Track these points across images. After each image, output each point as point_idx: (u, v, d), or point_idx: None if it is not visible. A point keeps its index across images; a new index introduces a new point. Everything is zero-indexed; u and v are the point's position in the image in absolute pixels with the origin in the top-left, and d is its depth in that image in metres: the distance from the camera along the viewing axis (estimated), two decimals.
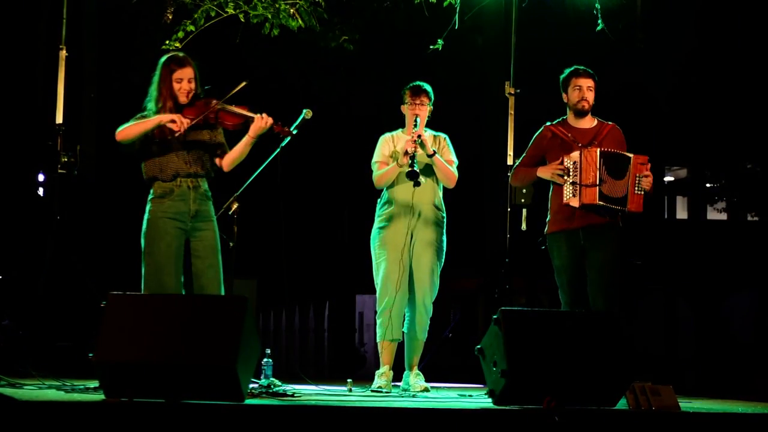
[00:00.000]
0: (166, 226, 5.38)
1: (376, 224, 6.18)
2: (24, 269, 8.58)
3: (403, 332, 6.10)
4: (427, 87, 6.16)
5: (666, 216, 17.80)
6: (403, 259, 6.02)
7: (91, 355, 4.37)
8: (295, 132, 5.50)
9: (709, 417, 4.60)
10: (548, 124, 6.01)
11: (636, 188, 5.76)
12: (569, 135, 5.90)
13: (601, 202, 5.72)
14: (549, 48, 11.10)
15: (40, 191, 9.54)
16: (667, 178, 18.03)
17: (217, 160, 5.58)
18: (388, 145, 6.18)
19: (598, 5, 7.65)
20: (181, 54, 5.58)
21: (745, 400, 6.02)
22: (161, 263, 5.36)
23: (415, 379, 6.02)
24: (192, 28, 7.90)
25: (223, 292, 5.47)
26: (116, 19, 10.60)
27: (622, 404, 4.75)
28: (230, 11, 7.91)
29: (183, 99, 5.45)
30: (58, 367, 6.11)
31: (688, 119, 15.06)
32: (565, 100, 5.99)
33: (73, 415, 3.98)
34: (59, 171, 6.51)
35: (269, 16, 7.96)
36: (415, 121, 6.04)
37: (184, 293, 5.41)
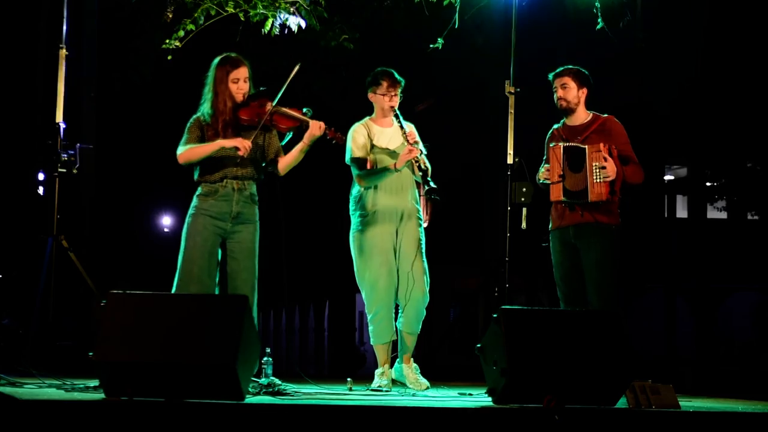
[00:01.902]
0: (206, 223, 5.44)
1: (357, 226, 6.04)
2: (24, 269, 8.58)
3: (398, 329, 6.05)
4: (399, 76, 6.07)
5: (666, 215, 17.81)
6: (390, 259, 5.95)
7: (91, 354, 4.38)
8: (335, 130, 5.52)
9: (709, 416, 4.60)
10: (554, 126, 6.08)
11: (595, 178, 5.77)
12: (562, 134, 5.97)
13: (565, 198, 5.79)
14: (549, 47, 11.11)
15: (40, 190, 9.54)
16: (668, 177, 18.04)
17: (274, 164, 5.62)
18: (362, 137, 6.04)
19: (597, 4, 7.65)
20: (233, 54, 5.61)
21: (745, 400, 6.02)
22: (194, 256, 5.41)
23: (412, 372, 5.96)
24: (192, 27, 7.90)
25: (256, 295, 5.49)
26: (116, 18, 10.59)
27: (622, 403, 4.75)
28: (230, 10, 7.90)
29: (239, 98, 5.52)
30: (58, 366, 6.11)
31: (688, 118, 15.06)
32: None
33: (74, 415, 3.98)
34: (59, 170, 6.52)
35: (269, 15, 7.95)
36: (400, 121, 5.93)
37: (218, 293, 5.45)
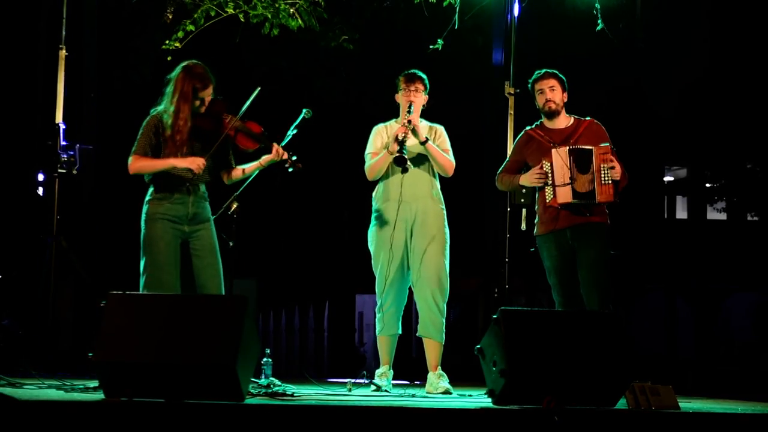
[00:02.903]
0: (165, 227, 5.42)
1: (372, 220, 6.08)
2: (24, 269, 8.57)
3: (418, 336, 6.00)
4: (422, 75, 6.08)
5: (666, 216, 17.81)
6: (396, 255, 5.92)
7: (90, 354, 4.38)
8: (295, 159, 5.48)
9: (709, 417, 4.60)
10: (527, 128, 6.08)
11: (602, 179, 5.77)
12: (545, 136, 5.95)
13: (575, 200, 5.77)
14: (549, 48, 11.11)
15: (40, 191, 9.55)
16: (667, 178, 18.04)
17: (222, 173, 5.61)
18: (381, 137, 6.07)
19: (597, 5, 7.66)
20: (201, 67, 5.49)
21: (745, 401, 6.02)
22: (161, 261, 5.39)
23: (437, 380, 5.88)
24: (192, 27, 7.91)
25: (222, 291, 5.49)
26: (116, 18, 10.60)
27: (621, 404, 4.75)
28: (230, 11, 7.91)
29: (202, 111, 5.48)
30: (57, 366, 6.11)
31: (688, 119, 15.06)
32: (536, 106, 6.05)
33: (73, 415, 3.98)
34: (59, 171, 6.52)
35: (269, 16, 7.96)
36: (409, 107, 5.94)
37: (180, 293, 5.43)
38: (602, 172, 5.76)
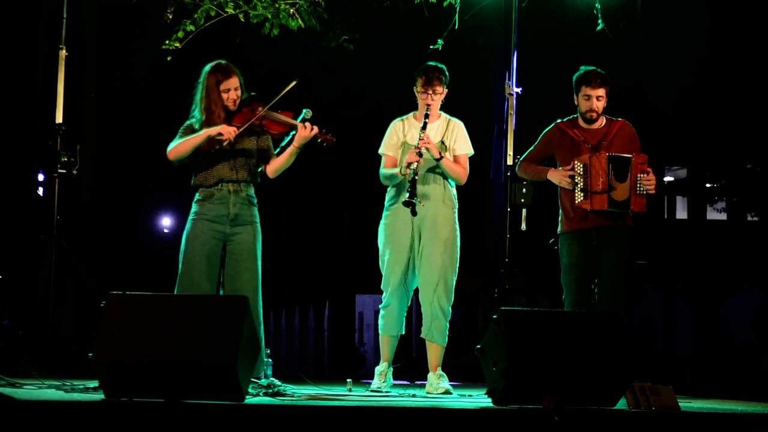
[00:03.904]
0: (204, 227, 5.46)
1: (383, 218, 5.99)
2: (24, 269, 8.58)
3: (421, 337, 5.98)
4: (442, 71, 5.89)
5: (666, 216, 17.82)
6: (404, 256, 5.86)
7: (90, 354, 4.38)
8: (327, 133, 5.46)
9: (709, 417, 4.60)
10: (559, 121, 5.99)
11: (638, 189, 5.73)
12: (579, 135, 5.87)
13: (611, 209, 5.72)
14: (550, 48, 11.12)
15: (40, 191, 9.54)
16: (667, 178, 18.04)
17: (263, 167, 5.62)
18: (397, 134, 5.95)
19: (598, 5, 7.66)
20: (224, 62, 5.56)
21: (744, 401, 6.02)
22: (194, 261, 5.43)
23: (438, 380, 5.84)
24: (192, 27, 7.92)
25: (260, 296, 5.48)
26: (116, 18, 10.60)
27: (621, 404, 4.75)
28: (230, 11, 7.92)
29: (231, 107, 5.50)
30: (58, 367, 6.10)
31: (688, 119, 15.07)
32: (576, 103, 5.95)
33: (73, 415, 3.98)
34: (59, 171, 6.52)
35: (269, 16, 7.96)
36: (425, 121, 5.79)
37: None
38: (638, 183, 5.72)
